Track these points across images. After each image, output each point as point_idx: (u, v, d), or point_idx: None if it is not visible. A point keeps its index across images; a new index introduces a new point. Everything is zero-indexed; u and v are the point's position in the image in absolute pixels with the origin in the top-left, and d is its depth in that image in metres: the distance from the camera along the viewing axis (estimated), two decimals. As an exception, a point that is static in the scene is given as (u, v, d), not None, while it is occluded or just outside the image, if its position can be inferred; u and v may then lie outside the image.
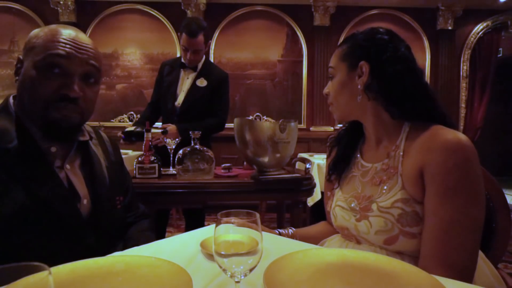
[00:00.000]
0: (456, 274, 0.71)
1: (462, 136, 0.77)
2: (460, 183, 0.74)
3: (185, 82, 2.22)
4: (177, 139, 1.84)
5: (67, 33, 0.88)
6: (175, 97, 2.21)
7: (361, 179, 0.94)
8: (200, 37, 2.08)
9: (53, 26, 0.91)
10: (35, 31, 0.91)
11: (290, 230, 1.09)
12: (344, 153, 1.03)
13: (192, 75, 2.22)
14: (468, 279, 0.74)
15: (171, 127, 2.02)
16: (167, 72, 2.27)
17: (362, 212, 0.88)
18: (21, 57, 0.91)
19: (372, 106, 0.90)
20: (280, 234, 1.07)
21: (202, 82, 2.19)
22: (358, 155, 1.00)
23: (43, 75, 0.85)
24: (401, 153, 0.85)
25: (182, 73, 2.23)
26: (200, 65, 2.23)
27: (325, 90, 0.98)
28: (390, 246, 0.83)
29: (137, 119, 2.39)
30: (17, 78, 0.90)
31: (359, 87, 0.89)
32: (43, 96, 0.84)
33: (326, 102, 1.08)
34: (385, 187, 0.85)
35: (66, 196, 0.88)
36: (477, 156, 0.77)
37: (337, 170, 1.02)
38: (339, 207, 0.96)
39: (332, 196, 1.02)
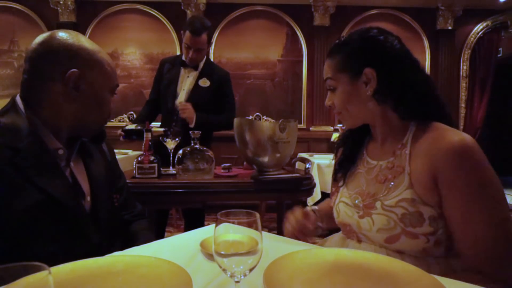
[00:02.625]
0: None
1: (467, 136, 0.78)
2: (481, 182, 0.76)
3: (185, 81, 2.21)
4: (177, 138, 1.84)
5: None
6: (175, 96, 2.20)
7: (366, 176, 0.94)
8: (204, 36, 2.07)
9: (103, 53, 0.97)
10: (96, 48, 0.95)
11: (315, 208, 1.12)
12: (350, 152, 1.03)
13: (193, 74, 2.21)
14: None
15: (191, 109, 2.06)
16: (167, 70, 2.25)
17: (365, 209, 0.88)
18: (76, 71, 0.89)
19: (381, 109, 0.90)
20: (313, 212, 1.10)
21: (205, 83, 2.19)
22: (364, 152, 1.00)
23: (110, 98, 1.00)
24: (408, 152, 0.85)
25: (182, 71, 2.21)
26: (201, 64, 2.22)
27: (328, 102, 0.96)
28: (391, 245, 0.83)
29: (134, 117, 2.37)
30: (74, 90, 0.90)
31: (368, 93, 0.88)
32: (107, 114, 1.01)
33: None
34: (390, 185, 0.85)
35: (73, 193, 0.92)
36: (483, 153, 0.78)
37: (343, 169, 1.02)
38: (343, 203, 0.97)
39: (336, 192, 1.02)
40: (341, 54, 0.91)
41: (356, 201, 0.92)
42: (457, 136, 0.78)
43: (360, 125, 0.98)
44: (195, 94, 2.18)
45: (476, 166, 0.76)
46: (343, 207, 0.96)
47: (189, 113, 2.06)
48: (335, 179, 1.05)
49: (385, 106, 0.89)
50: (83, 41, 0.93)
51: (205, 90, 2.19)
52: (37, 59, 0.89)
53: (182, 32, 2.15)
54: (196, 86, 2.19)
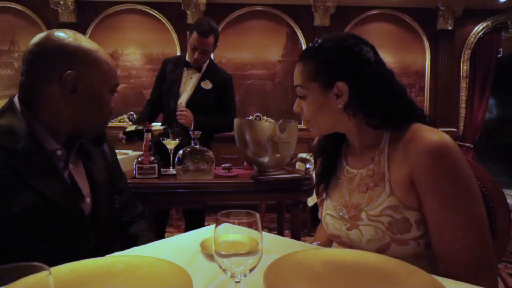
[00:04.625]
0: (485, 279, 0.72)
1: (445, 135, 0.76)
2: (456, 184, 0.74)
3: (188, 82, 2.22)
4: (177, 139, 1.84)
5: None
6: (177, 96, 2.21)
7: (348, 186, 0.91)
8: (211, 38, 2.09)
9: (102, 52, 0.95)
10: (93, 47, 0.92)
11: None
12: (329, 162, 0.99)
13: (196, 75, 2.22)
14: (495, 279, 0.75)
15: (188, 113, 2.09)
16: (170, 70, 2.26)
17: (352, 221, 0.86)
18: (73, 72, 0.88)
19: (353, 122, 0.87)
20: None
21: (207, 85, 2.21)
22: (343, 161, 0.97)
23: (110, 97, 0.98)
24: (386, 158, 0.83)
25: (185, 71, 2.22)
26: (204, 66, 2.23)
27: (296, 109, 0.93)
28: (383, 253, 0.81)
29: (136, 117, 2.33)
30: (72, 92, 0.89)
31: (339, 106, 0.85)
32: (108, 114, 0.99)
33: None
34: (373, 195, 0.83)
35: (72, 196, 0.90)
36: (461, 153, 0.76)
37: (324, 181, 0.98)
38: (329, 215, 0.94)
39: (321, 204, 1.00)
40: (314, 62, 0.87)
41: (341, 213, 0.89)
42: (434, 135, 0.76)
43: (332, 133, 0.94)
44: (197, 95, 2.19)
45: (451, 167, 0.74)
46: (330, 219, 0.94)
47: (186, 118, 2.09)
48: (317, 192, 1.02)
49: (356, 119, 0.86)
50: (80, 40, 0.91)
51: (207, 92, 2.20)
52: (33, 60, 0.87)
53: (188, 32, 2.16)
54: (198, 87, 2.20)
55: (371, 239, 0.82)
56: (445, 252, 0.75)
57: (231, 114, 2.25)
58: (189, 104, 2.18)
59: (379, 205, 0.81)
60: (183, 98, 2.20)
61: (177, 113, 2.10)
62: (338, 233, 0.91)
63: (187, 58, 2.21)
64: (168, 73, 2.26)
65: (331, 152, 1.00)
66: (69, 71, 0.87)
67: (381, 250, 0.81)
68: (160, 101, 2.31)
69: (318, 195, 1.02)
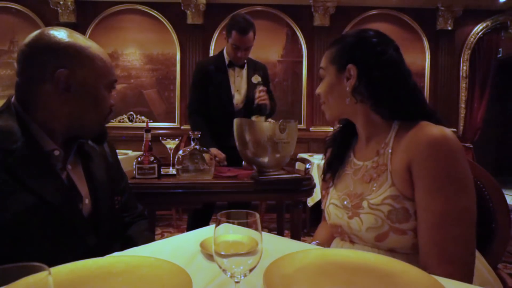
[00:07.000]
0: (456, 270, 0.72)
1: (447, 131, 0.79)
2: (447, 175, 0.76)
3: (237, 81, 2.21)
4: (176, 139, 1.84)
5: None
6: (230, 98, 2.18)
7: (353, 177, 0.95)
8: (251, 34, 2.08)
9: (95, 48, 0.92)
10: (85, 43, 0.90)
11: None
12: (338, 152, 1.04)
13: (242, 73, 2.23)
14: (469, 274, 0.75)
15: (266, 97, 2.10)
16: (213, 72, 2.19)
17: (353, 209, 0.89)
18: (64, 70, 0.86)
19: (361, 108, 0.91)
20: None
21: (257, 79, 2.21)
22: (352, 154, 1.01)
23: (107, 94, 0.96)
24: (390, 150, 0.86)
25: (230, 71, 2.21)
26: (245, 62, 2.23)
27: (317, 91, 1.00)
28: (381, 243, 0.83)
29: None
30: (65, 91, 0.87)
31: (347, 89, 0.90)
32: (106, 111, 0.97)
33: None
34: (375, 184, 0.86)
35: (69, 197, 0.89)
36: (462, 149, 0.78)
37: (332, 169, 1.03)
38: (333, 205, 0.97)
39: (327, 194, 1.03)
40: (335, 47, 0.95)
41: (345, 202, 0.92)
42: (438, 129, 0.79)
43: (341, 119, 1.01)
44: (251, 92, 2.19)
45: (447, 157, 0.76)
46: (333, 209, 0.96)
47: (267, 99, 2.09)
48: (324, 179, 1.06)
49: (365, 106, 0.90)
50: (72, 37, 0.88)
51: (258, 86, 2.18)
52: (25, 60, 0.86)
53: (225, 32, 2.14)
54: (250, 84, 2.21)
55: (371, 227, 0.83)
56: (426, 240, 0.77)
57: (274, 99, 2.29)
58: (247, 101, 2.18)
59: (381, 194, 0.83)
60: (238, 98, 2.19)
61: (260, 95, 2.05)
62: (340, 222, 0.93)
63: (228, 58, 2.18)
64: (213, 76, 2.19)
65: (342, 143, 1.05)
66: (61, 70, 0.85)
67: (379, 239, 0.83)
68: (206, 107, 2.21)
69: (324, 181, 1.06)
